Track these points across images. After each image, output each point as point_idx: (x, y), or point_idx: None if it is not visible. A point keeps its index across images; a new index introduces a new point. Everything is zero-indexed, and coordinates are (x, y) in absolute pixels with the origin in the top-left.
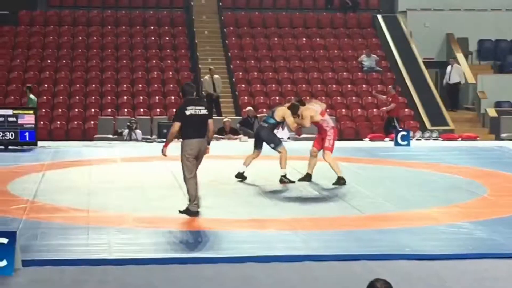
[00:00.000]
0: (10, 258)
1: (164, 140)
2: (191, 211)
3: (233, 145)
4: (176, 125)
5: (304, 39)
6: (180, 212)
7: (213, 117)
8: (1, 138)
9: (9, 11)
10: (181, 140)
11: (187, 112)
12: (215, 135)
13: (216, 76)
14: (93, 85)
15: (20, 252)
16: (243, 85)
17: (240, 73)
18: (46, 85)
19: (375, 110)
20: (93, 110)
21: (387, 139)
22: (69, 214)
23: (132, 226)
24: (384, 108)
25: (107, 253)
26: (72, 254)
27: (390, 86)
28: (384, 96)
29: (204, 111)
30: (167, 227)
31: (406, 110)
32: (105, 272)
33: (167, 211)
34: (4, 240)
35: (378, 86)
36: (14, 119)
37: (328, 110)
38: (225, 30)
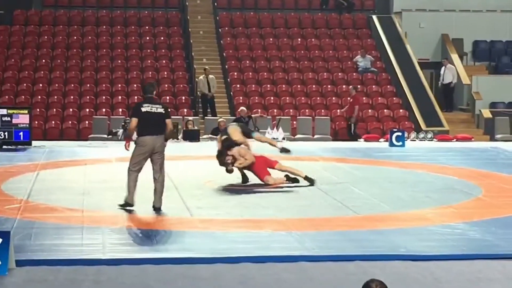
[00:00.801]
0: (4, 258)
1: None
2: (128, 204)
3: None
4: (134, 121)
5: (299, 39)
6: (120, 206)
7: (208, 117)
8: None
9: (4, 10)
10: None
11: (142, 109)
12: (209, 135)
13: (211, 76)
14: (88, 85)
15: (14, 252)
16: (238, 85)
17: (235, 73)
18: (40, 85)
19: (370, 110)
20: (87, 110)
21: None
22: (64, 214)
23: (126, 226)
24: (354, 114)
25: (101, 253)
26: (67, 254)
27: (351, 87)
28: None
29: (161, 110)
30: (162, 227)
31: (401, 110)
32: (99, 272)
33: (161, 211)
34: None
35: (373, 86)
36: (9, 118)
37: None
38: (220, 30)
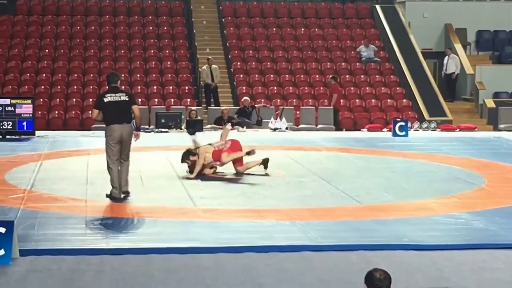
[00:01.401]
0: (7, 247)
1: (162, 129)
2: (114, 197)
3: (231, 136)
4: (95, 112)
5: (303, 29)
6: (107, 195)
7: (212, 107)
8: None
9: (7, 0)
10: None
11: (105, 100)
12: (213, 125)
13: (214, 66)
14: (91, 75)
15: (17, 241)
16: (241, 75)
17: (238, 63)
18: (44, 75)
19: (373, 100)
20: (91, 99)
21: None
22: (67, 203)
23: (130, 216)
24: (331, 103)
25: (104, 242)
26: (70, 244)
27: (329, 77)
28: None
29: (124, 98)
30: (165, 217)
31: (404, 100)
32: (102, 262)
33: (165, 201)
34: (2, 230)
35: (377, 76)
36: (12, 108)
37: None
38: (223, 20)
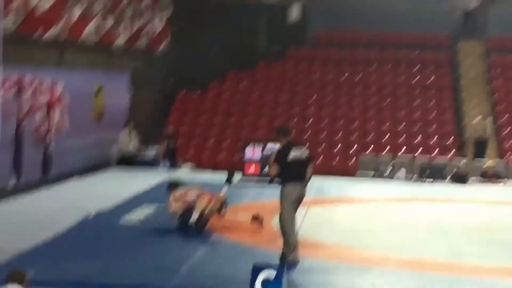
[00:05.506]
0: None
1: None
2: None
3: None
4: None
5: None
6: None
7: (476, 160)
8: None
9: (280, 47)
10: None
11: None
12: (479, 177)
13: (488, 119)
14: (356, 123)
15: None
16: (508, 128)
17: (506, 116)
18: (310, 121)
19: None
20: (355, 145)
21: None
22: (332, 251)
23: (395, 268)
24: None
25: None
26: None
27: None
28: None
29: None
30: (430, 271)
31: None
32: None
33: (429, 254)
34: (272, 274)
35: None
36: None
37: None
38: (491, 72)
